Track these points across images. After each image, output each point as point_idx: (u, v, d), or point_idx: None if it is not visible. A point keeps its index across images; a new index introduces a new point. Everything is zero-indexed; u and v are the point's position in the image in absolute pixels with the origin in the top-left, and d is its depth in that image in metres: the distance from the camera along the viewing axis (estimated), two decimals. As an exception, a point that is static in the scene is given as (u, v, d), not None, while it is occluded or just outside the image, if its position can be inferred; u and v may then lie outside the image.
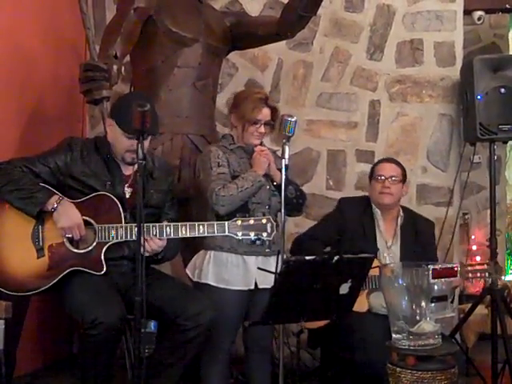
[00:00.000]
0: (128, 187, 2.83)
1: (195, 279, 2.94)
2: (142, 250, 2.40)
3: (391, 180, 3.25)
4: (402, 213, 3.33)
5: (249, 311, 2.92)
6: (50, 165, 2.77)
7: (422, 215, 3.51)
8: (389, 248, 3.24)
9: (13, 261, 2.71)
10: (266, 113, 2.95)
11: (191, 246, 3.36)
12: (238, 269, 2.88)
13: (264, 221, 2.69)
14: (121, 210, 2.75)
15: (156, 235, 2.70)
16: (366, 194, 3.42)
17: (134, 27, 3.33)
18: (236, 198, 2.83)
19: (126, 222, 2.74)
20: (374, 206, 3.31)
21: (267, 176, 2.93)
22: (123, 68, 3.23)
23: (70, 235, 2.69)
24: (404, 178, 3.32)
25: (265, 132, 2.97)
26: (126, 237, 2.70)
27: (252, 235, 2.68)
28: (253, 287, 2.87)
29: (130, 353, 2.88)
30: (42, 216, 2.72)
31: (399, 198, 3.32)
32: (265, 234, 2.68)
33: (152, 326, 3.15)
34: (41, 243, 2.72)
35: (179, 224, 2.72)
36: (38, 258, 2.72)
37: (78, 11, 3.28)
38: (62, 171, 2.78)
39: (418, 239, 3.29)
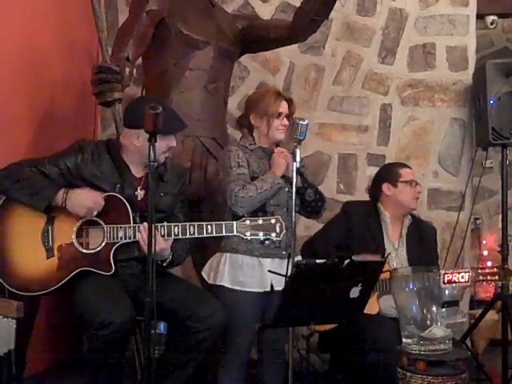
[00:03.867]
0: (141, 189, 2.84)
1: (210, 281, 2.92)
2: (152, 250, 2.40)
3: (419, 184, 3.31)
4: (409, 216, 3.33)
5: (265, 314, 2.89)
6: (59, 166, 2.78)
7: (425, 220, 3.51)
8: (396, 250, 3.23)
9: (22, 261, 2.72)
10: (285, 105, 2.96)
11: (201, 248, 3.37)
12: (254, 271, 2.86)
13: (273, 221, 2.68)
14: (130, 211, 2.75)
15: (164, 236, 2.70)
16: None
17: (147, 30, 3.34)
18: (255, 199, 2.82)
19: (134, 223, 2.75)
20: (382, 210, 3.29)
21: (286, 178, 2.91)
22: (135, 70, 3.24)
23: (94, 214, 2.72)
24: None
25: (288, 125, 2.96)
26: (135, 237, 2.71)
27: (261, 235, 2.67)
28: (269, 289, 2.86)
29: (139, 354, 2.89)
30: (51, 216, 2.74)
31: None
32: (273, 234, 2.67)
33: (162, 327, 3.16)
34: (50, 244, 2.74)
35: (187, 224, 2.72)
36: (48, 258, 2.73)
37: (91, 13, 3.30)
38: (72, 173, 2.79)
39: (423, 243, 3.29)
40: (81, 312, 2.67)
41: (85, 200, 2.71)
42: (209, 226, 2.70)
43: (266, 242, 2.72)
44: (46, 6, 3.71)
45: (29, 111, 3.54)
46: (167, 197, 2.89)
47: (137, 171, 2.87)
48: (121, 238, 2.72)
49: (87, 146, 2.84)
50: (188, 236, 2.72)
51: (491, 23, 4.34)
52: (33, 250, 2.72)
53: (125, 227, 2.72)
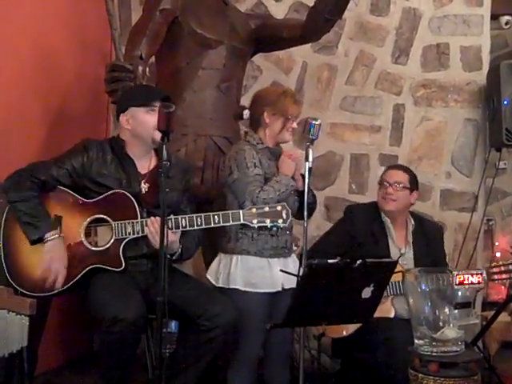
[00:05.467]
0: (145, 183, 2.86)
1: (220, 284, 2.89)
2: (165, 247, 2.41)
3: (394, 186, 3.23)
4: (412, 220, 3.30)
5: (272, 313, 2.89)
6: (66, 167, 2.80)
7: (430, 219, 3.49)
8: (402, 255, 3.20)
9: (32, 263, 2.73)
10: (299, 109, 2.99)
11: (213, 249, 3.37)
12: (264, 272, 2.86)
13: (279, 208, 2.68)
14: (136, 206, 2.76)
15: (172, 228, 2.69)
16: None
17: (160, 28, 3.34)
18: (274, 201, 2.80)
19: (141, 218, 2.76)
20: (383, 214, 3.28)
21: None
22: (148, 69, 3.25)
23: (43, 275, 2.68)
24: (412, 186, 3.28)
25: (296, 128, 2.97)
26: (143, 232, 2.72)
27: (268, 222, 2.66)
28: (280, 289, 2.86)
29: (150, 352, 2.90)
30: (58, 216, 2.74)
31: (405, 205, 3.28)
32: (280, 221, 2.67)
33: (173, 325, 3.16)
34: None
35: (194, 215, 2.72)
36: None
37: (104, 12, 3.31)
38: (79, 173, 2.81)
39: (430, 245, 3.28)
40: (92, 309, 2.68)
41: (55, 257, 2.68)
42: (216, 216, 2.71)
43: (273, 228, 2.70)
44: (58, 4, 3.72)
45: (42, 109, 3.55)
46: (173, 192, 2.87)
47: (142, 166, 2.88)
48: (129, 233, 2.73)
49: (92, 145, 2.86)
50: (196, 227, 2.72)
51: (506, 23, 4.32)
52: (42, 251, 2.72)
53: (132, 222, 2.73)
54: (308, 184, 2.93)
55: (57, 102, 3.68)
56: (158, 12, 3.33)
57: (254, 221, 2.67)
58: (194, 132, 3.37)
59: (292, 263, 2.92)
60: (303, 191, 2.83)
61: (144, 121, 2.83)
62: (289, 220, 2.69)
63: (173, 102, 2.71)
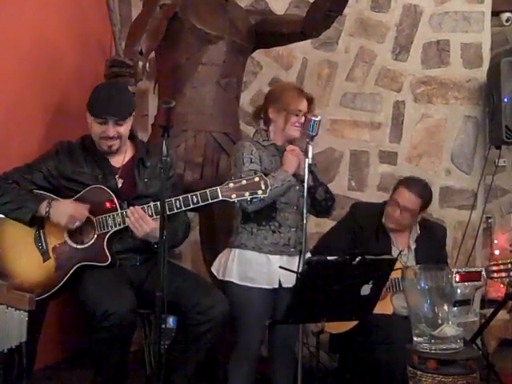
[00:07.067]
0: (119, 178, 2.86)
1: (220, 277, 2.91)
2: (164, 241, 2.41)
3: (403, 211, 3.16)
4: (418, 227, 3.26)
5: (275, 310, 2.87)
6: (42, 170, 2.83)
7: (435, 221, 3.46)
8: (404, 255, 3.19)
9: (21, 269, 2.74)
10: (305, 104, 2.93)
11: (212, 244, 3.37)
12: (262, 267, 2.85)
13: (257, 179, 2.63)
14: (115, 199, 2.77)
15: (152, 216, 2.69)
16: (386, 199, 3.39)
17: (160, 24, 3.33)
18: (267, 196, 2.76)
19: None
20: (384, 219, 3.25)
21: (297, 176, 2.88)
22: (148, 64, 3.24)
23: (76, 225, 2.73)
24: (421, 209, 3.19)
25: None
26: (124, 223, 2.72)
27: (247, 195, 2.61)
28: (277, 286, 2.85)
29: (148, 348, 2.90)
30: (39, 221, 2.76)
31: (410, 224, 3.23)
32: (260, 192, 2.61)
33: (171, 321, 3.16)
34: (44, 247, 2.77)
35: (172, 199, 2.70)
36: (45, 261, 2.75)
37: (104, 7, 3.30)
38: (54, 175, 2.83)
39: (433, 248, 3.26)
40: (84, 307, 2.69)
41: (67, 210, 2.72)
42: (194, 197, 2.68)
43: (254, 200, 2.66)
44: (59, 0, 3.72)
45: (42, 105, 3.54)
46: (152, 181, 2.87)
47: (116, 160, 2.88)
48: (111, 226, 2.74)
49: (63, 147, 2.89)
50: (175, 210, 2.69)
51: (506, 20, 4.32)
52: (29, 257, 2.75)
53: (113, 215, 2.74)
54: (318, 179, 2.95)
55: (56, 97, 3.67)
56: (158, 7, 3.32)
57: (233, 195, 2.62)
58: (193, 128, 3.37)
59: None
60: (311, 187, 2.84)
61: (93, 128, 2.85)
62: (268, 189, 2.63)
63: (124, 118, 2.78)
